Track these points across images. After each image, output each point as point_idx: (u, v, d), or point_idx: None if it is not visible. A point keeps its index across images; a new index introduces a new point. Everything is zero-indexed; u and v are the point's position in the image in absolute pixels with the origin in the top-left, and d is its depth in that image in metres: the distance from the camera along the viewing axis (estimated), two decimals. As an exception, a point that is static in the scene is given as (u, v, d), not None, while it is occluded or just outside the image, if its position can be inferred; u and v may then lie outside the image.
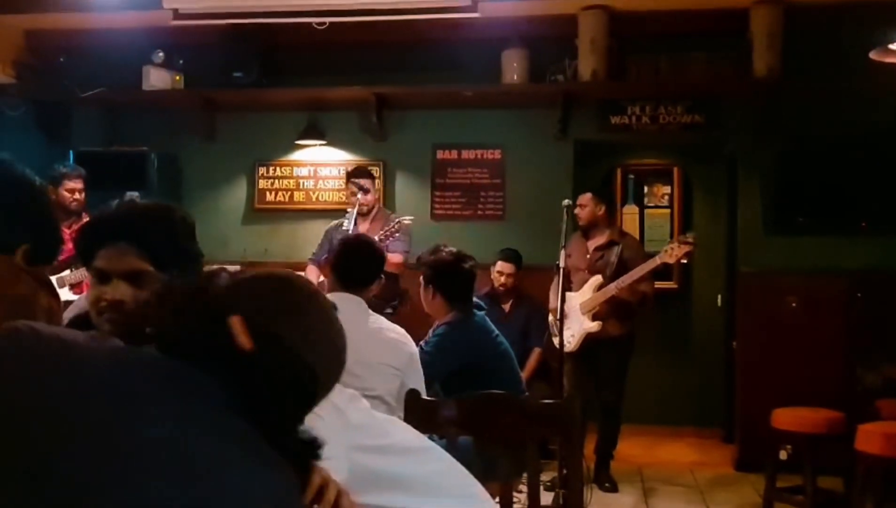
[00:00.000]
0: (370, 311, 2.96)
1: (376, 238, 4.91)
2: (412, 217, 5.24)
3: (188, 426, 0.88)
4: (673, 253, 4.90)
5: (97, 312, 1.67)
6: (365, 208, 5.30)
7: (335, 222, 5.44)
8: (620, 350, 5.16)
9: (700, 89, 5.67)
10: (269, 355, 0.96)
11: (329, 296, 3.28)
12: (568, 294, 5.13)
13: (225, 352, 0.95)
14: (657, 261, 4.94)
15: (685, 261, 5.04)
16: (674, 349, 6.78)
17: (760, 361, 5.50)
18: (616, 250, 5.13)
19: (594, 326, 5.07)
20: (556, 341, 5.15)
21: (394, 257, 5.02)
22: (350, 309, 2.86)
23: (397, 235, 5.03)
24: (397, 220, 5.10)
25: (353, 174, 5.41)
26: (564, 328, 5.04)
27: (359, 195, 5.24)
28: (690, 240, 5.04)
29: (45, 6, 5.56)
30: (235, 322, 0.97)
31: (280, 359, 0.97)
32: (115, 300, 1.64)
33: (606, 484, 5.12)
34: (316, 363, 1.01)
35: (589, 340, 5.08)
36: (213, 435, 0.90)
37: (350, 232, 4.94)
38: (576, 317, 5.10)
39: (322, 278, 5.09)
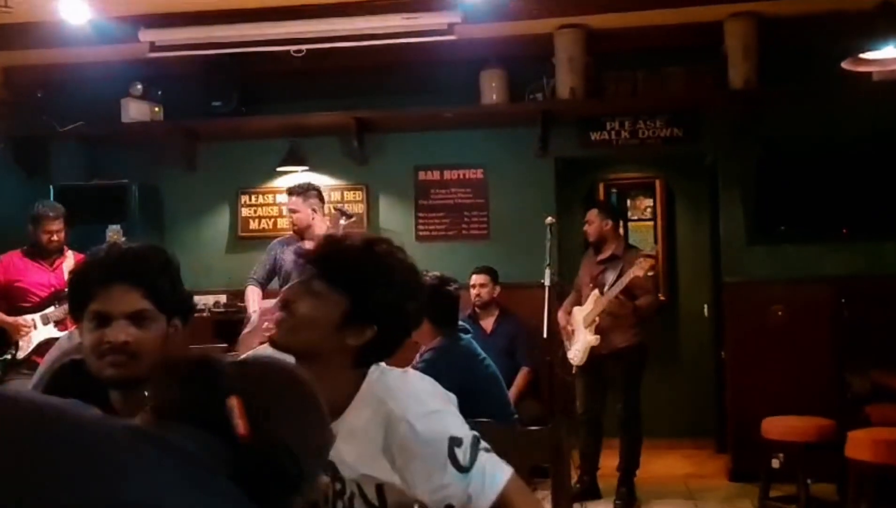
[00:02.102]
0: None
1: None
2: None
3: (180, 489, 0.88)
4: (641, 266, 4.97)
5: (98, 355, 1.66)
6: (296, 228, 5.10)
7: (278, 239, 5.34)
8: (627, 362, 5.16)
9: (678, 103, 5.72)
10: (260, 445, 0.96)
11: None
12: (575, 309, 5.21)
13: (220, 428, 0.95)
14: (630, 275, 5.01)
15: (651, 273, 5.15)
16: (663, 361, 6.77)
17: (749, 370, 5.51)
18: (618, 264, 5.16)
19: (593, 339, 5.09)
20: (569, 355, 5.17)
21: None
22: None
23: None
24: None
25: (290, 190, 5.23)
26: (572, 343, 5.11)
27: (342, 221, 5.22)
28: (651, 253, 5.20)
29: (22, 42, 5.54)
30: (236, 404, 0.96)
31: (270, 452, 0.97)
32: (120, 342, 1.64)
33: (617, 502, 5.07)
34: (303, 460, 1.01)
35: (596, 354, 5.09)
36: (206, 496, 0.90)
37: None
38: (580, 331, 5.14)
39: (260, 298, 5.04)
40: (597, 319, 5.07)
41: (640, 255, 5.08)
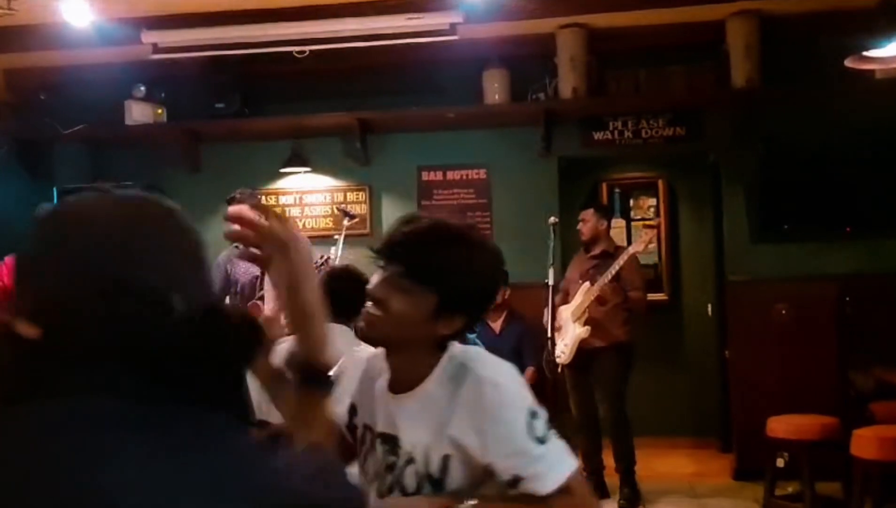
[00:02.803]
0: (359, 342, 2.95)
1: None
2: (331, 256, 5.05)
3: None
4: (641, 240, 5.00)
5: None
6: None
7: (223, 254, 5.02)
8: (613, 359, 5.16)
9: (680, 102, 5.72)
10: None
11: None
12: (562, 307, 5.19)
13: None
14: (630, 251, 5.03)
15: (652, 244, 5.18)
16: (667, 360, 6.78)
17: (753, 369, 5.51)
18: (609, 261, 5.16)
19: (583, 331, 5.08)
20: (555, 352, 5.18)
21: None
22: (340, 341, 2.87)
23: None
24: (321, 256, 4.89)
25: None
26: (559, 340, 5.09)
27: (346, 221, 5.23)
28: (652, 223, 5.18)
29: (25, 44, 5.55)
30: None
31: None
32: None
33: (622, 501, 5.07)
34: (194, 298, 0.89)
35: (584, 352, 5.09)
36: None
37: (337, 259, 4.91)
38: (568, 327, 5.13)
39: None
40: (587, 312, 5.08)
41: (645, 225, 5.10)
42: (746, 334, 5.57)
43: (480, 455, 1.52)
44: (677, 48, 5.63)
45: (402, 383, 1.62)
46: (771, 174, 5.49)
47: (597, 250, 5.29)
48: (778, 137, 5.51)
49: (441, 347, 1.61)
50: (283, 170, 6.12)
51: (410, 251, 1.56)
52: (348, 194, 6.10)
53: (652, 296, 6.46)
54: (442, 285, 1.54)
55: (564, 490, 1.51)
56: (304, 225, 6.16)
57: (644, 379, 6.58)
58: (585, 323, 5.10)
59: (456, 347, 1.63)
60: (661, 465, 6.00)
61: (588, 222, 5.32)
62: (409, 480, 1.56)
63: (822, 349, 5.37)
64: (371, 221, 6.03)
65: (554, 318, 4.76)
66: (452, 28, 5.18)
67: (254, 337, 0.95)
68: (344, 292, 3.05)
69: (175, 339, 0.85)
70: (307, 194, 6.18)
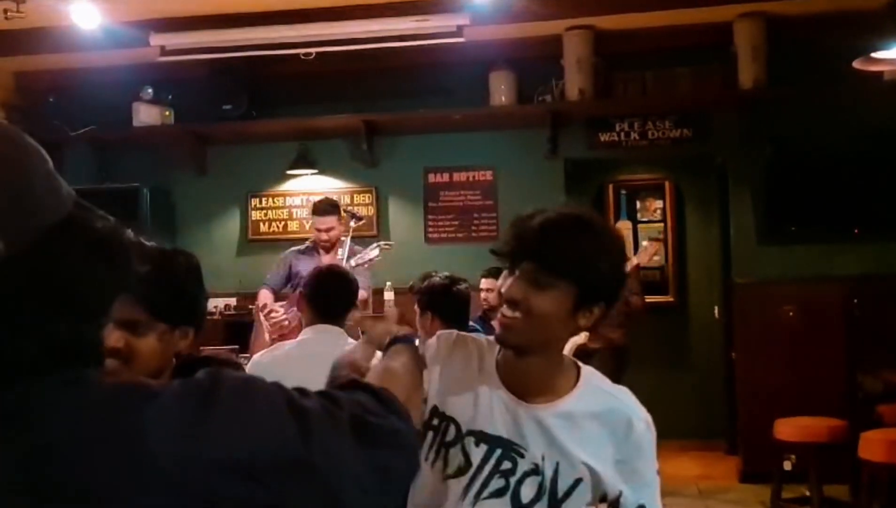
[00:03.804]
0: (349, 340, 2.96)
1: (353, 263, 4.89)
2: (392, 243, 5.17)
3: None
4: (646, 252, 4.96)
5: None
6: (328, 244, 5.09)
7: (293, 248, 5.29)
8: (607, 361, 5.13)
9: (687, 103, 5.71)
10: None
11: (307, 329, 3.22)
12: None
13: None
14: (633, 262, 5.00)
15: (657, 257, 5.12)
16: (673, 363, 6.77)
17: (760, 371, 5.49)
18: None
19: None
20: None
21: (361, 295, 4.99)
22: (329, 341, 2.88)
23: (366, 265, 4.99)
24: (378, 245, 5.02)
25: (322, 209, 5.19)
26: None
27: (352, 223, 5.23)
28: (658, 237, 5.14)
29: (34, 47, 5.58)
30: None
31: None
32: (111, 348, 1.58)
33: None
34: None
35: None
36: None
37: (344, 261, 4.92)
38: None
39: (272, 301, 5.06)
40: None
41: (650, 239, 5.07)
42: (753, 336, 5.56)
43: (614, 483, 1.54)
44: (684, 50, 5.62)
45: (532, 389, 1.55)
46: (778, 176, 5.48)
47: None
48: (785, 139, 5.50)
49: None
50: (289, 172, 6.14)
51: (543, 244, 1.49)
52: (355, 195, 6.11)
53: (659, 298, 6.47)
54: (580, 274, 1.48)
55: None
56: (310, 227, 6.16)
57: (650, 381, 6.55)
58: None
59: (585, 367, 1.62)
60: (667, 467, 5.93)
61: None
62: (528, 490, 1.53)
63: (829, 351, 5.35)
64: (377, 222, 6.03)
65: None
66: (459, 30, 5.19)
67: (123, 258, 0.78)
68: (332, 292, 3.06)
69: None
70: (313, 196, 6.17)
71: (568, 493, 1.53)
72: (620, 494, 1.55)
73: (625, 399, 1.60)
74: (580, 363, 1.62)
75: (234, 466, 0.73)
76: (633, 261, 5.07)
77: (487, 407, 1.55)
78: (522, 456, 1.53)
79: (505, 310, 1.51)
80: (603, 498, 1.56)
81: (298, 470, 0.77)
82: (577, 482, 1.53)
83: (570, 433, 1.53)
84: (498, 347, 1.58)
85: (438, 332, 1.70)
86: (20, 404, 0.71)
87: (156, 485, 0.70)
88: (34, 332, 0.71)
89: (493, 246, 1.59)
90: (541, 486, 1.53)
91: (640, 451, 1.57)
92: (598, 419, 1.55)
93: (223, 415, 0.76)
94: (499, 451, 1.53)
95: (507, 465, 1.53)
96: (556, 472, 1.53)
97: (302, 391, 0.88)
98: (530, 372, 1.55)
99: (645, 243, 5.02)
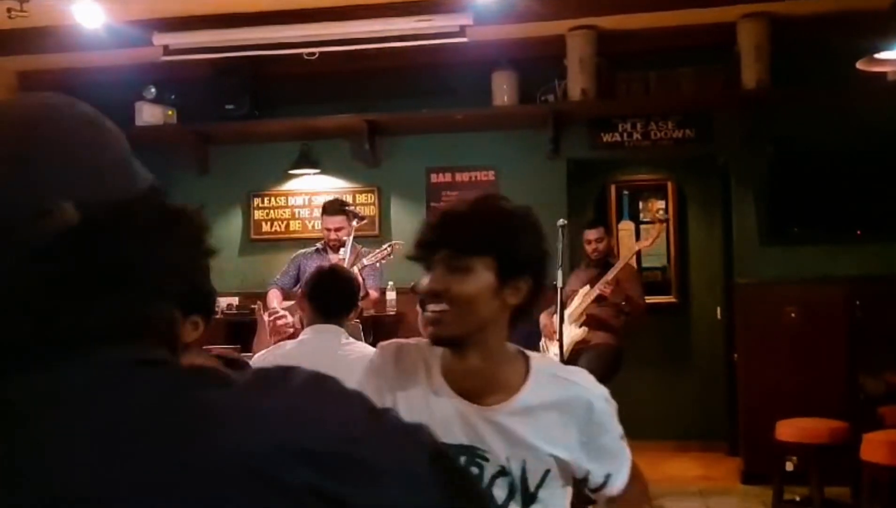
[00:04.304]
0: (349, 339, 2.95)
1: (364, 262, 4.92)
2: (402, 242, 5.20)
3: None
4: (648, 235, 4.97)
5: None
6: (337, 243, 5.14)
7: (304, 250, 5.34)
8: (601, 358, 5.13)
9: (690, 104, 5.71)
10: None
11: (307, 329, 3.20)
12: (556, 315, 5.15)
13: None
14: (636, 247, 5.00)
15: (660, 239, 5.14)
16: (675, 363, 6.77)
17: (762, 372, 5.49)
18: (611, 268, 5.15)
19: (580, 332, 5.07)
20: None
21: (372, 294, 5.01)
22: (328, 340, 2.88)
23: (377, 265, 5.00)
24: (390, 243, 5.06)
25: (333, 209, 5.30)
26: (550, 345, 5.07)
27: (354, 222, 5.24)
28: (662, 217, 5.14)
29: (37, 46, 5.59)
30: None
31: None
32: None
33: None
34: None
35: (574, 352, 5.08)
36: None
37: (347, 262, 4.93)
38: (564, 328, 5.12)
39: (282, 302, 5.08)
40: (584, 315, 5.07)
41: (655, 219, 5.07)
42: (755, 337, 5.55)
43: (581, 465, 1.54)
44: (687, 50, 5.62)
45: (483, 388, 1.53)
46: (781, 177, 5.47)
47: (601, 262, 5.30)
48: (788, 140, 5.49)
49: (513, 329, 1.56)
50: (291, 171, 6.14)
51: (451, 229, 1.50)
52: (357, 195, 6.11)
53: (660, 299, 6.47)
54: (494, 247, 1.48)
55: (632, 475, 1.61)
56: (313, 226, 6.17)
57: (652, 382, 6.59)
58: (582, 324, 5.10)
59: (533, 356, 1.60)
60: (668, 468, 5.98)
61: (603, 241, 5.32)
62: (500, 491, 1.53)
63: (831, 352, 5.34)
64: (380, 222, 6.04)
65: (562, 321, 4.74)
66: (462, 30, 5.19)
67: (198, 238, 0.78)
68: (332, 291, 3.04)
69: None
70: (316, 196, 6.19)
71: (539, 484, 1.53)
72: (588, 473, 1.56)
73: (580, 381, 1.58)
74: (527, 352, 1.60)
75: (302, 455, 0.70)
76: (635, 247, 5.07)
77: (443, 418, 1.51)
78: (487, 460, 1.52)
79: (429, 306, 1.49)
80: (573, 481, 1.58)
81: (363, 470, 0.74)
82: (546, 472, 1.53)
83: (532, 427, 1.52)
84: (441, 349, 1.55)
85: (380, 344, 1.67)
86: (87, 377, 0.70)
87: (222, 475, 0.67)
88: (103, 304, 0.70)
89: (407, 254, 1.59)
90: (511, 485, 1.52)
91: (602, 428, 1.56)
92: (556, 408, 1.53)
93: (296, 404, 0.74)
94: (463, 459, 1.52)
95: (474, 471, 1.52)
96: (523, 470, 1.52)
97: (387, 409, 0.87)
98: (476, 371, 1.52)
99: (648, 226, 5.01)
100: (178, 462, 0.67)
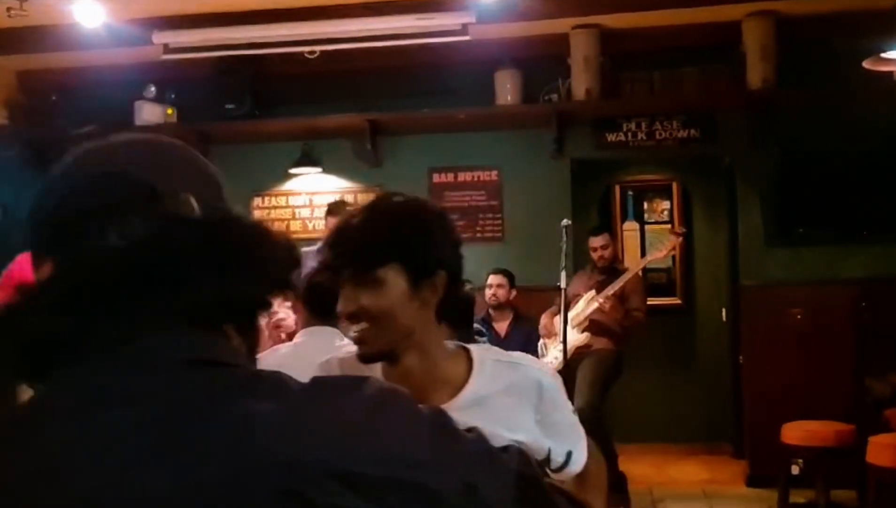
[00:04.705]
0: (344, 340, 2.91)
1: None
2: None
3: None
4: (665, 247, 4.93)
5: None
6: None
7: (305, 249, 5.32)
8: (602, 363, 5.09)
9: (695, 104, 5.66)
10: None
11: (302, 332, 3.18)
12: (557, 316, 5.10)
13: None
14: (647, 258, 4.96)
15: (674, 253, 5.07)
16: (680, 366, 6.72)
17: (767, 374, 5.44)
18: (617, 274, 5.12)
19: (582, 338, 5.03)
20: (547, 358, 5.13)
21: None
22: (323, 341, 2.83)
23: None
24: None
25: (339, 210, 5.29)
26: (552, 347, 5.03)
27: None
28: (678, 231, 5.10)
29: (37, 45, 5.56)
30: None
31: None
32: None
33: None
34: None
35: (575, 357, 5.04)
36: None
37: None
38: (568, 331, 5.08)
39: (283, 303, 5.05)
40: (587, 321, 5.03)
41: (670, 233, 5.02)
42: (761, 339, 5.51)
43: (541, 444, 1.54)
44: (692, 49, 5.58)
45: (426, 388, 1.49)
46: (786, 177, 5.43)
47: (606, 268, 5.25)
48: (794, 140, 5.44)
49: (448, 328, 1.54)
50: (293, 171, 6.10)
51: (349, 247, 1.46)
52: (359, 195, 6.07)
53: (665, 300, 6.42)
54: (393, 250, 1.44)
55: (590, 452, 1.63)
56: (314, 226, 6.13)
57: (656, 384, 6.55)
58: (584, 330, 5.05)
59: (473, 348, 1.58)
60: (673, 471, 5.95)
61: (608, 248, 5.27)
62: None
63: (837, 354, 5.30)
64: (382, 222, 6.00)
65: (566, 322, 4.71)
66: (464, 28, 5.15)
67: (292, 257, 0.84)
68: (327, 291, 3.00)
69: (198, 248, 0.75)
70: (317, 196, 6.15)
71: None
72: (549, 451, 1.57)
73: (525, 362, 1.61)
74: (467, 346, 1.57)
75: (347, 477, 0.67)
76: (647, 258, 5.02)
77: None
78: None
79: (351, 328, 1.47)
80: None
81: (420, 496, 0.71)
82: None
83: (486, 417, 1.45)
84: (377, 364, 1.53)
85: (319, 364, 1.63)
86: (138, 375, 0.70)
87: (253, 491, 0.66)
88: (205, 284, 0.74)
89: (313, 283, 1.62)
90: None
91: (554, 404, 1.58)
92: (507, 393, 1.52)
93: (352, 421, 0.71)
94: None
95: None
96: None
97: (470, 429, 0.83)
98: (416, 374, 1.48)
99: (667, 238, 4.95)
100: (209, 472, 0.65)
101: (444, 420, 0.78)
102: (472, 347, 1.58)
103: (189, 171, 0.86)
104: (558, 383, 1.61)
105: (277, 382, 0.73)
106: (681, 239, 5.18)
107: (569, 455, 1.58)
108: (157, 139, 0.89)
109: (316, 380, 0.76)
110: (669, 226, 6.85)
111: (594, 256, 5.32)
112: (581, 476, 1.63)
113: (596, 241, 5.30)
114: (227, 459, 0.66)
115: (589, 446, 1.64)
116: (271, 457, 0.66)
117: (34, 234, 0.83)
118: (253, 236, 0.79)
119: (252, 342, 0.83)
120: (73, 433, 0.67)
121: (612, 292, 5.01)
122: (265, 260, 0.78)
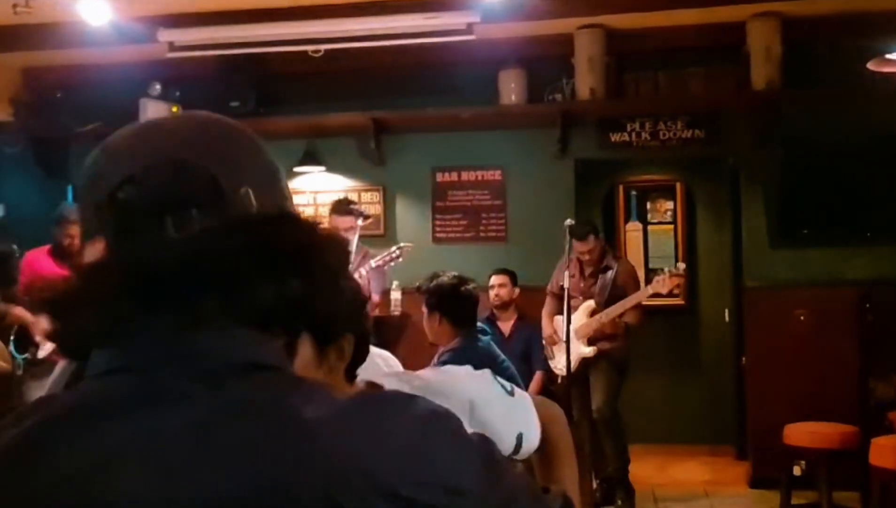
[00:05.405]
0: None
1: (372, 264, 4.89)
2: (411, 243, 5.18)
3: None
4: (664, 283, 4.88)
5: None
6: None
7: None
8: (611, 363, 5.09)
9: (699, 104, 5.66)
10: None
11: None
12: (558, 318, 5.08)
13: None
14: (648, 291, 4.93)
15: (677, 292, 5.02)
16: (683, 367, 6.71)
17: (771, 376, 5.43)
18: (610, 275, 5.09)
19: (590, 351, 5.03)
20: (551, 363, 5.12)
21: (374, 298, 4.97)
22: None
23: (385, 267, 4.96)
24: (399, 246, 5.04)
25: (344, 209, 5.31)
26: (558, 352, 5.01)
27: (359, 221, 5.20)
28: (681, 272, 5.04)
29: (42, 43, 5.57)
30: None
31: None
32: None
33: (619, 502, 5.03)
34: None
35: (583, 365, 5.03)
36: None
37: (353, 262, 4.89)
38: (572, 342, 5.04)
39: None
40: (591, 332, 5.02)
41: (669, 272, 4.99)
42: (764, 340, 5.50)
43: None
44: (697, 50, 5.57)
45: None
46: (791, 178, 5.42)
47: (598, 266, 5.17)
48: (798, 141, 5.43)
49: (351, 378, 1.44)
50: (297, 169, 6.10)
51: None
52: (362, 194, 6.08)
53: (669, 301, 6.40)
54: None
55: (546, 419, 1.50)
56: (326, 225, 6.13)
57: (660, 385, 6.54)
58: (589, 342, 5.03)
59: (382, 385, 1.53)
60: (676, 472, 5.94)
61: (595, 251, 5.10)
62: None
63: (841, 356, 5.28)
64: (385, 221, 6.00)
65: (569, 323, 4.70)
66: (469, 28, 5.15)
67: (343, 255, 0.85)
68: None
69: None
70: (321, 194, 6.16)
71: None
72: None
73: (445, 387, 1.49)
74: (376, 383, 1.50)
75: (395, 500, 0.67)
76: (648, 290, 4.94)
77: None
78: None
79: None
80: None
81: None
82: None
83: None
84: None
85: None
86: (194, 375, 0.70)
87: (295, 500, 0.66)
88: (261, 284, 0.74)
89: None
90: None
91: (487, 404, 1.48)
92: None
93: (404, 442, 0.71)
94: None
95: None
96: None
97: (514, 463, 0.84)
98: None
99: (667, 272, 4.90)
100: (256, 475, 0.66)
101: (490, 449, 0.78)
102: (381, 385, 1.51)
103: (252, 162, 0.85)
104: (484, 379, 1.46)
105: (326, 391, 0.74)
106: (682, 279, 5.10)
107: (519, 437, 1.51)
108: (224, 124, 0.87)
109: (365, 394, 0.77)
110: (672, 227, 6.84)
111: (583, 261, 5.21)
112: (542, 452, 1.52)
113: (581, 246, 5.05)
114: (273, 462, 0.66)
115: (540, 410, 1.47)
116: (318, 463, 0.66)
117: (85, 210, 0.82)
118: (308, 236, 0.79)
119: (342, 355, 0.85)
120: (127, 431, 0.68)
121: (614, 314, 4.98)
122: (319, 264, 0.79)
